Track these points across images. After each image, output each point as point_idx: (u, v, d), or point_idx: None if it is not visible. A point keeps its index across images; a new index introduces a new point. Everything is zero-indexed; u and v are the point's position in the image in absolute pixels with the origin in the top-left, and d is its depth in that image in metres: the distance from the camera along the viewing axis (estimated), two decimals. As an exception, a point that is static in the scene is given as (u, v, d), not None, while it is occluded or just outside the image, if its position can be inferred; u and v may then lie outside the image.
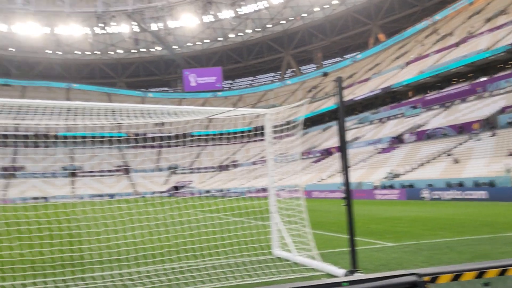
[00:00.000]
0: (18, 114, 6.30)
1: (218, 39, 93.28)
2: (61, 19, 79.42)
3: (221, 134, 61.78)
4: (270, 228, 8.07)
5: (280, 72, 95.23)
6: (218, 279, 6.32)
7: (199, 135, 71.93)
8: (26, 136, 65.02)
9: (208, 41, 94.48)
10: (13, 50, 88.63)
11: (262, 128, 8.31)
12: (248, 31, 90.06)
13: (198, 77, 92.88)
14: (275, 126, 8.11)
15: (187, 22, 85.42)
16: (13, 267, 6.58)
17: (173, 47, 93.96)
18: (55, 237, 7.60)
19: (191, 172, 69.27)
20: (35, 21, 77.93)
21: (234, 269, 6.97)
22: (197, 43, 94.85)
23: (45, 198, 56.12)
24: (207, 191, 50.84)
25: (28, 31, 79.45)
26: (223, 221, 11.42)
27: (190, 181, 66.03)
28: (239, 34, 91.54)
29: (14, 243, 7.01)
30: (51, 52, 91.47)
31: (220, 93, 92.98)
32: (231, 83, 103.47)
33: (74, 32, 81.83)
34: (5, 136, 56.53)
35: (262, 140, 8.42)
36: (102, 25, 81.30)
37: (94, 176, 67.32)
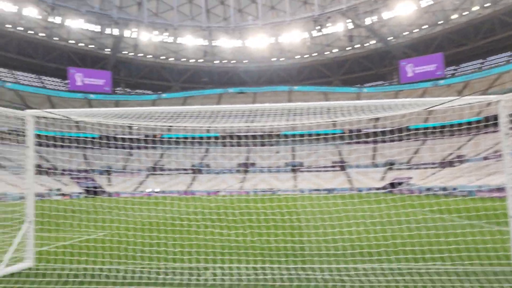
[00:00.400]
0: (248, 117, 7.19)
1: (438, 22, 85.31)
2: (283, 28, 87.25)
3: (443, 126, 56.16)
4: (510, 235, 6.82)
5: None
6: (442, 287, 5.71)
7: (417, 129, 67.38)
8: (255, 137, 74.29)
9: (426, 26, 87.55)
10: (246, 61, 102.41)
11: (495, 117, 7.09)
12: (475, 8, 79.17)
13: (416, 67, 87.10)
14: (512, 115, 6.80)
15: (403, 10, 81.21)
16: (246, 252, 7.49)
17: (388, 38, 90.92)
18: (279, 227, 8.32)
19: (410, 168, 65.59)
20: (263, 33, 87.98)
21: (462, 278, 6.17)
22: (414, 30, 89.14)
23: (272, 190, 62.69)
24: (428, 189, 47.25)
25: (257, 43, 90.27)
26: (447, 223, 10.30)
27: (409, 177, 62.60)
28: (464, 13, 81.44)
29: (246, 231, 7.99)
30: (275, 59, 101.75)
31: (441, 82, 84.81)
32: (454, 69, 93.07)
33: (294, 38, 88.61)
34: (239, 137, 65.82)
35: (495, 131, 7.17)
36: (319, 27, 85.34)
37: (313, 171, 71.44)
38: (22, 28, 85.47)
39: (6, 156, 68.88)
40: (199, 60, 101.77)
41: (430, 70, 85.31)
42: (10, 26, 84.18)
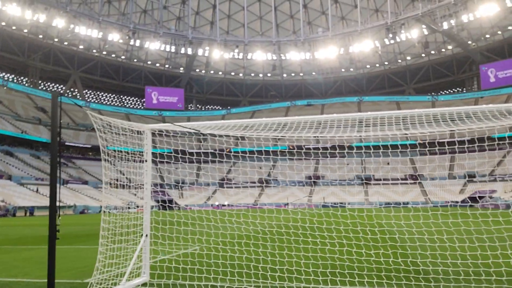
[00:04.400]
0: (317, 128, 7.16)
1: (526, 22, 78.11)
2: (354, 38, 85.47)
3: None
4: None
5: None
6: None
7: (500, 138, 61.56)
8: (325, 148, 72.94)
9: (511, 28, 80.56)
10: (314, 73, 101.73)
11: None
12: None
13: (498, 71, 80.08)
14: None
15: (485, 12, 75.35)
16: (371, 272, 6.88)
17: (468, 43, 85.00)
18: (355, 244, 7.74)
19: (493, 181, 59.89)
20: (332, 44, 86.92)
21: None
22: (498, 32, 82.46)
23: (342, 204, 60.80)
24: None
25: (326, 54, 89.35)
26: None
27: (493, 190, 57.16)
28: (555, 10, 73.72)
29: (352, 248, 7.52)
30: (344, 70, 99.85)
31: (529, 86, 77.12)
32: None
33: (364, 47, 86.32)
34: (308, 149, 64.93)
35: None
36: (392, 35, 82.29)
37: (384, 184, 68.20)
38: (105, 52, 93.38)
39: (88, 170, 75.00)
40: (267, 74, 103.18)
41: (517, 73, 77.96)
42: (95, 51, 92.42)
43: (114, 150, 7.06)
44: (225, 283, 6.66)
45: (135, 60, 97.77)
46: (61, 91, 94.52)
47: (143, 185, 7.76)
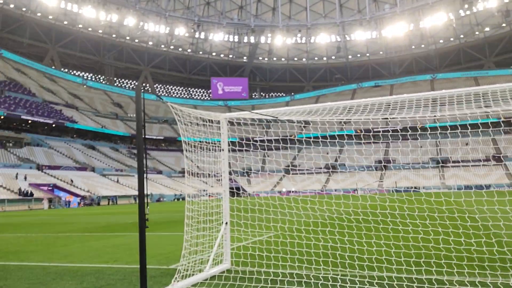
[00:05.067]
0: (386, 110, 6.91)
1: None
2: (425, 11, 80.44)
3: None
4: None
5: None
6: None
7: None
8: (395, 130, 69.81)
9: None
10: (382, 53, 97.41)
11: None
12: None
13: None
14: None
15: None
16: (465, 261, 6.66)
17: (557, 6, 76.33)
18: (443, 231, 7.35)
19: None
20: (401, 20, 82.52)
21: None
22: None
23: (416, 188, 58.08)
24: None
25: (395, 32, 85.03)
26: None
27: None
28: None
29: (438, 236, 7.22)
30: (414, 47, 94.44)
31: None
32: None
33: (437, 21, 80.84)
34: (377, 132, 62.61)
35: None
36: (467, 5, 76.17)
37: (462, 166, 63.95)
38: (172, 47, 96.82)
39: (161, 161, 78.77)
40: (332, 57, 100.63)
41: None
42: (163, 46, 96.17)
43: (194, 141, 7.23)
44: (310, 272, 6.49)
45: (200, 53, 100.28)
46: (134, 87, 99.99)
47: (215, 174, 7.85)
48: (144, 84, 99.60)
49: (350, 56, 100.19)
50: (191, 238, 6.53)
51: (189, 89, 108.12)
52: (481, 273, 5.87)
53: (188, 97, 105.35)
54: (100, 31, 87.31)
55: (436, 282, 5.57)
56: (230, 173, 7.67)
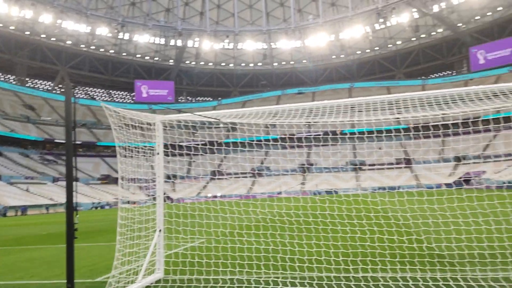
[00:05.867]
0: (308, 116, 7.21)
1: (515, 3, 78.25)
2: (344, 24, 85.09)
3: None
4: None
5: None
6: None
7: (488, 119, 61.93)
8: (317, 135, 72.98)
9: (500, 8, 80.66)
10: (305, 61, 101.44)
11: None
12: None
13: (488, 53, 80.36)
14: None
15: (476, -7, 75.10)
16: (394, 258, 6.87)
17: (457, 25, 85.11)
18: (386, 228, 7.72)
19: (484, 162, 60.52)
20: (323, 31, 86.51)
21: None
22: (487, 14, 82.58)
23: (335, 190, 61.18)
24: (510, 183, 43.26)
25: (317, 42, 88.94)
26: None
27: (483, 171, 57.83)
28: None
29: (367, 235, 7.43)
30: (335, 57, 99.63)
31: (519, 66, 77.56)
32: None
33: (355, 33, 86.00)
34: (300, 137, 65.09)
35: None
36: (382, 19, 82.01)
37: (377, 169, 68.65)
38: (94, 47, 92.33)
39: (78, 167, 74.46)
40: (258, 64, 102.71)
41: (505, 55, 78.23)
42: (83, 46, 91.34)
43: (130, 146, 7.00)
44: (242, 276, 6.43)
45: (124, 54, 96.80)
46: (49, 88, 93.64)
47: (146, 179, 7.70)
48: (60, 86, 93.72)
49: (275, 64, 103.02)
50: (123, 248, 6.28)
51: (111, 91, 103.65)
52: (412, 268, 6.36)
53: (110, 99, 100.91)
54: (12, 27, 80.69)
55: (371, 279, 5.96)
56: (153, 180, 7.57)
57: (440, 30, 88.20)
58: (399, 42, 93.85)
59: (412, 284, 5.73)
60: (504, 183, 42.39)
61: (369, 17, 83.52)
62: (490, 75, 78.71)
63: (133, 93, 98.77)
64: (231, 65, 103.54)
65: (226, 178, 68.40)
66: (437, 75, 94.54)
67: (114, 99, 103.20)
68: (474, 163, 61.35)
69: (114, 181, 72.55)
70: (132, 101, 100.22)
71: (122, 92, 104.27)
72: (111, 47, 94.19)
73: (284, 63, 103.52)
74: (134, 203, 9.02)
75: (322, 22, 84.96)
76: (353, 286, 5.86)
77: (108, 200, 64.34)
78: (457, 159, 63.52)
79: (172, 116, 7.59)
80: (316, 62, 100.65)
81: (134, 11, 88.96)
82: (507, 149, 57.20)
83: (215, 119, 7.50)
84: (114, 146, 7.20)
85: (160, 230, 6.95)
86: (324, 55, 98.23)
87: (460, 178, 54.69)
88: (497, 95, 6.53)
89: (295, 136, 55.18)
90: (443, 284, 5.71)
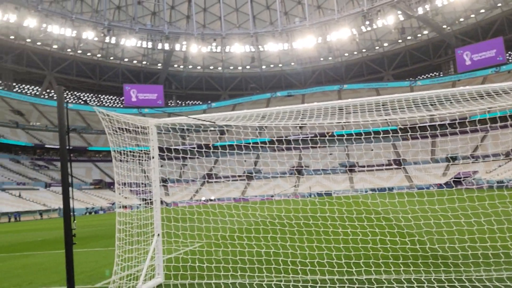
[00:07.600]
0: (297, 118, 7.18)
1: (498, 5, 79.62)
2: (331, 26, 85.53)
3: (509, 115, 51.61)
4: None
5: None
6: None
7: (479, 119, 62.84)
8: (307, 138, 72.94)
9: (483, 11, 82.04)
10: (294, 64, 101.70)
11: None
12: (538, -15, 72.92)
13: (473, 54, 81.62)
14: None
15: (459, -5, 76.26)
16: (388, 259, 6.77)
17: (443, 27, 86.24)
18: (383, 229, 7.62)
19: (475, 161, 61.21)
20: (310, 34, 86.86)
21: None
22: (471, 16, 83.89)
23: (328, 192, 61.14)
24: (499, 182, 43.81)
25: (305, 44, 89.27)
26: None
27: (474, 171, 58.43)
28: (525, -8, 75.32)
29: (367, 237, 7.36)
30: (323, 59, 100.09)
31: (503, 67, 78.81)
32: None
33: (342, 36, 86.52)
34: (290, 141, 64.95)
35: None
36: (368, 22, 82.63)
37: (370, 170, 68.99)
38: (80, 51, 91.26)
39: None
40: (246, 67, 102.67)
41: (490, 56, 79.53)
42: (70, 50, 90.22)
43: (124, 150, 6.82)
44: (244, 280, 6.38)
45: (111, 58, 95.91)
46: (37, 93, 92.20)
47: (140, 183, 7.56)
48: (48, 91, 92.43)
49: (264, 66, 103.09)
50: (123, 253, 6.16)
51: (99, 96, 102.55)
52: (416, 270, 6.29)
53: (98, 104, 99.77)
54: (-4, 32, 79.41)
55: (375, 282, 5.85)
56: (146, 185, 7.39)
57: (425, 32, 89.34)
58: (386, 44, 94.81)
59: (417, 286, 5.68)
60: (497, 182, 42.89)
61: (355, 20, 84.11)
62: (477, 76, 79.83)
63: (122, 98, 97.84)
64: (220, 68, 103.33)
65: (218, 182, 68.03)
66: (424, 76, 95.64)
67: (103, 103, 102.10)
68: (472, 162, 62.02)
69: (107, 185, 71.65)
70: (121, 106, 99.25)
71: (111, 97, 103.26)
72: (98, 51, 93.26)
73: (272, 66, 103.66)
74: (125, 207, 8.74)
75: (309, 25, 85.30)
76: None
77: (102, 205, 63.52)
78: (449, 159, 64.17)
79: (167, 119, 7.43)
80: (304, 64, 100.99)
81: (120, 15, 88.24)
82: (497, 149, 58.02)
83: (210, 121, 7.37)
84: (106, 151, 6.94)
85: (158, 235, 6.82)
86: (313, 57, 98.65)
87: (451, 178, 55.26)
88: (491, 95, 6.52)
89: (286, 138, 55.44)
90: (448, 285, 5.65)
